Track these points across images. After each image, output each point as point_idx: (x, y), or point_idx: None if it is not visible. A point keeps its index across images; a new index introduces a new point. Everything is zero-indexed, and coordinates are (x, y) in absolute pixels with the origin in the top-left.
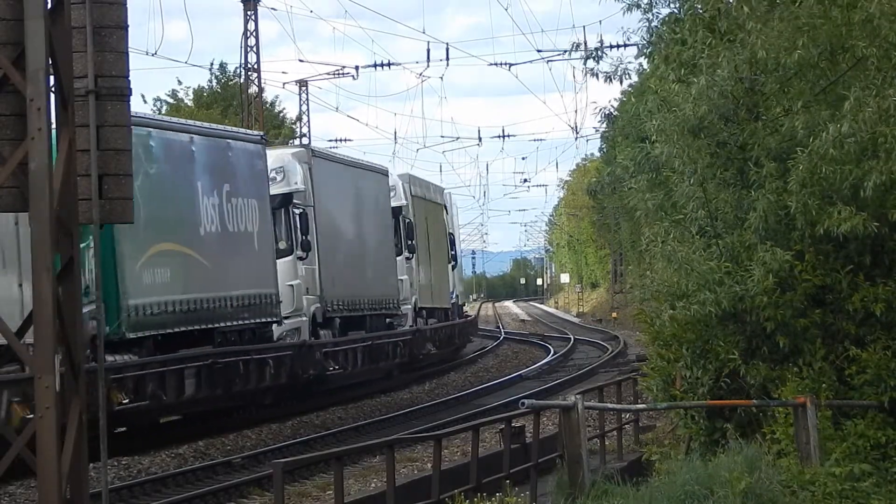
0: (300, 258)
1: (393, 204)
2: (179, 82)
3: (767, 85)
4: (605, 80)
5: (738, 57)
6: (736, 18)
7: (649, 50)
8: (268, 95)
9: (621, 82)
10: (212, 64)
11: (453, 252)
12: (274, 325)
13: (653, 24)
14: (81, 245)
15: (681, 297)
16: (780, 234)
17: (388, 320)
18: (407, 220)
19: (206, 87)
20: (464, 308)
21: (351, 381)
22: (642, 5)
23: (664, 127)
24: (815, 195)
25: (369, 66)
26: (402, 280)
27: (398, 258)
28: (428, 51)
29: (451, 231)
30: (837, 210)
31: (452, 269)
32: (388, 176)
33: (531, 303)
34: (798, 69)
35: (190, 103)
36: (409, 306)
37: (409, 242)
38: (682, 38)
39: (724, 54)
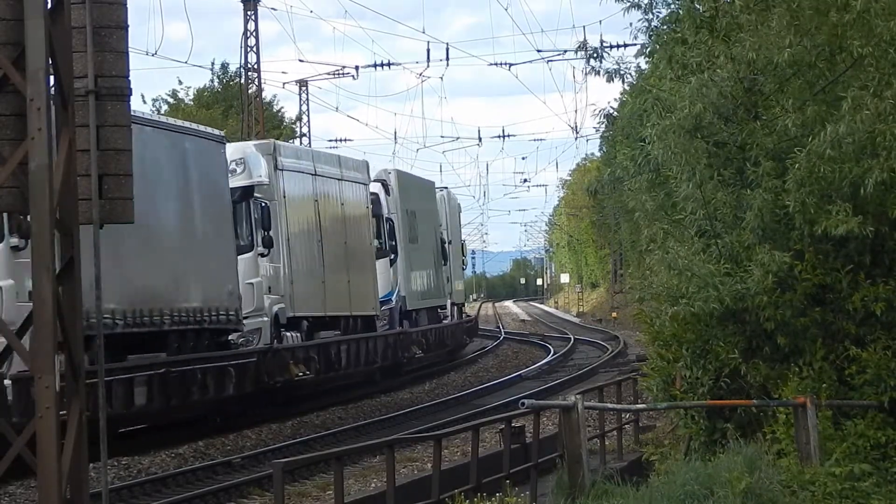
0: (16, 248)
1: (237, 183)
2: (180, 82)
3: (766, 85)
4: (608, 79)
5: (738, 53)
6: (735, 18)
7: (649, 49)
8: (266, 95)
9: (623, 81)
10: (213, 64)
11: (393, 242)
12: None
13: (653, 23)
14: None
15: (681, 297)
16: (779, 233)
17: (229, 337)
18: (262, 204)
19: (208, 87)
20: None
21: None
22: (642, 5)
23: (659, 130)
24: (813, 194)
25: (369, 66)
26: (251, 283)
27: (246, 255)
28: (428, 51)
29: (389, 216)
30: (836, 210)
31: (391, 264)
32: (222, 143)
33: (531, 303)
34: (797, 69)
35: (190, 103)
36: (265, 318)
37: (266, 234)
38: (683, 38)
39: (722, 51)
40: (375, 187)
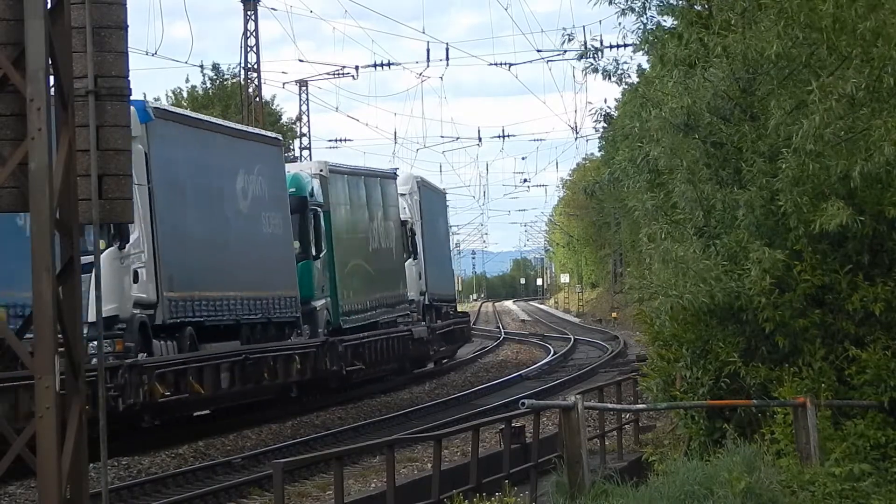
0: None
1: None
2: (188, 80)
3: (761, 86)
4: (604, 77)
5: (732, 48)
6: (728, 17)
7: (647, 45)
8: (265, 95)
9: (620, 81)
10: (202, 65)
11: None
12: None
13: (647, 26)
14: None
15: (673, 290)
16: (775, 232)
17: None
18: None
19: (200, 87)
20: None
21: None
22: (636, 9)
23: (649, 127)
24: (806, 192)
25: (369, 66)
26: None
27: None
28: (428, 51)
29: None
30: (831, 204)
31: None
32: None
33: (531, 302)
34: (791, 70)
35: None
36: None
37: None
38: (679, 34)
39: (718, 41)
40: None
